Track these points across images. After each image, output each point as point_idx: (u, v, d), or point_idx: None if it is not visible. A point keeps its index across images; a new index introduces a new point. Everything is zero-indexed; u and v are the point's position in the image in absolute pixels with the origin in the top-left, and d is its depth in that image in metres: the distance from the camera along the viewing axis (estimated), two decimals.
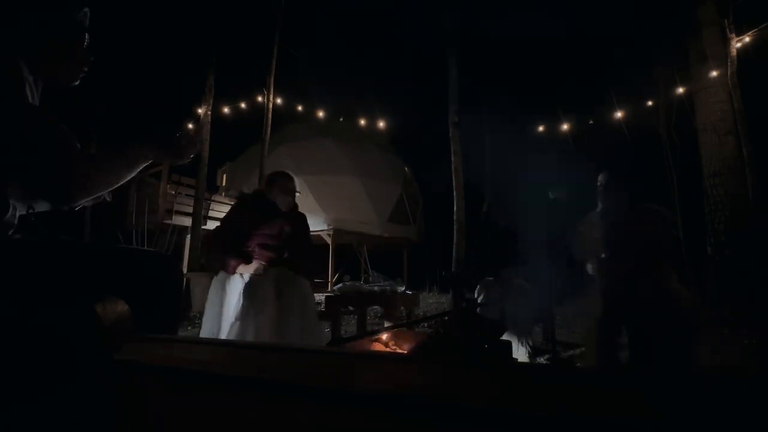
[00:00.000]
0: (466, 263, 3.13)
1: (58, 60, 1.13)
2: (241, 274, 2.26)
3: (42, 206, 1.08)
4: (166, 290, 1.16)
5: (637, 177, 2.24)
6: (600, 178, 2.23)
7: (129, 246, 1.28)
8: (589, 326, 2.06)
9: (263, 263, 2.28)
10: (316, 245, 5.81)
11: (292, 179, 2.53)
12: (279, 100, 7.57)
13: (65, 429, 0.41)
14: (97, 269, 1.07)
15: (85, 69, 1.20)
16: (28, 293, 0.90)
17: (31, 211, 1.08)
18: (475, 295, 2.68)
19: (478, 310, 2.40)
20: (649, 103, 6.90)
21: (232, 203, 8.15)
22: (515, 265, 2.62)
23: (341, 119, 9.82)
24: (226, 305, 2.22)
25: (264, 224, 2.37)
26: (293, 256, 2.42)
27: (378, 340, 2.21)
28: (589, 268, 2.24)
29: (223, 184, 8.90)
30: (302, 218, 2.55)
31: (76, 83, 1.21)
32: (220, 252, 2.30)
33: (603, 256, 2.15)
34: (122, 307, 0.67)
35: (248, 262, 2.27)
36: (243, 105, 7.98)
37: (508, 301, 2.46)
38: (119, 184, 1.06)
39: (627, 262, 2.02)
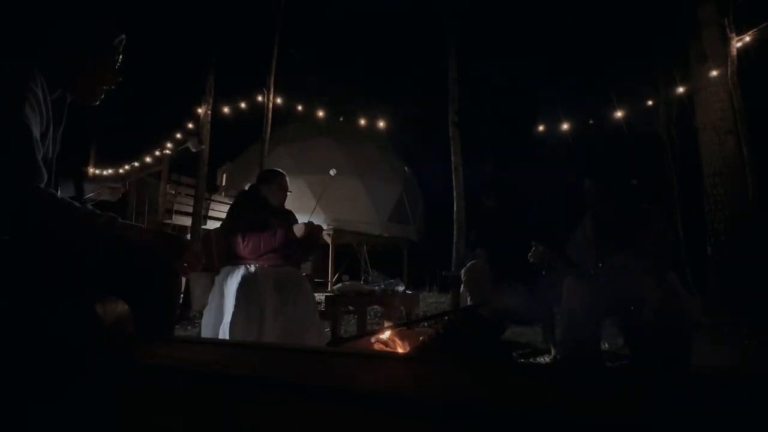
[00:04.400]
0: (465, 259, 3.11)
1: (81, 74, 1.10)
2: (248, 270, 2.27)
3: None
4: (162, 289, 1.14)
5: (628, 178, 2.20)
6: (586, 184, 2.20)
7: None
8: (566, 322, 2.06)
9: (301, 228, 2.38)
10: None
11: (285, 177, 2.60)
12: (279, 100, 7.57)
13: (65, 429, 0.41)
14: (93, 269, 1.07)
15: (107, 89, 1.18)
16: (27, 294, 0.90)
17: None
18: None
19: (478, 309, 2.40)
20: (649, 103, 6.90)
21: (230, 203, 8.14)
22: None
23: (341, 119, 9.81)
24: (226, 305, 2.23)
25: (266, 224, 2.39)
26: (291, 253, 2.47)
27: (378, 340, 2.21)
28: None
29: (223, 183, 8.90)
30: (293, 215, 2.65)
31: (96, 103, 1.19)
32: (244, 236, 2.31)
33: (596, 259, 2.14)
34: (122, 307, 0.67)
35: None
36: (243, 105, 7.97)
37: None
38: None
39: (623, 264, 2.02)
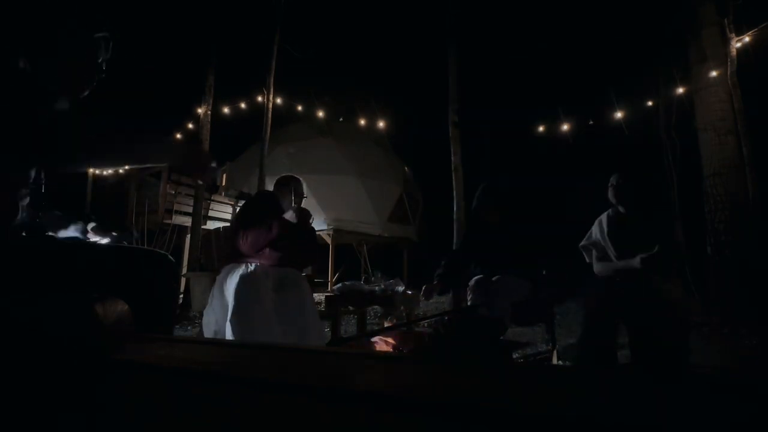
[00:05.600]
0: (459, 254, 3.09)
1: (64, 70, 1.09)
2: (247, 269, 2.27)
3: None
4: (162, 289, 1.15)
5: (647, 178, 2.23)
6: (612, 178, 2.21)
7: (127, 245, 1.26)
8: (584, 324, 2.07)
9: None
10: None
11: (301, 183, 2.64)
12: (279, 100, 7.56)
13: (65, 429, 0.41)
14: (94, 268, 1.07)
15: (89, 86, 1.17)
16: (27, 293, 0.90)
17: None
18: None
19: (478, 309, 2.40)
20: (649, 103, 6.89)
21: (230, 203, 8.08)
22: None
23: (341, 119, 9.81)
24: (226, 304, 2.23)
25: (265, 222, 2.41)
26: (295, 252, 2.48)
27: (378, 340, 2.21)
28: (596, 267, 2.24)
29: (223, 183, 8.91)
30: (305, 212, 2.67)
31: (82, 95, 1.18)
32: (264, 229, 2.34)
33: (609, 255, 2.16)
34: (122, 306, 0.67)
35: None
36: (243, 105, 7.97)
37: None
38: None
39: (633, 264, 2.02)
